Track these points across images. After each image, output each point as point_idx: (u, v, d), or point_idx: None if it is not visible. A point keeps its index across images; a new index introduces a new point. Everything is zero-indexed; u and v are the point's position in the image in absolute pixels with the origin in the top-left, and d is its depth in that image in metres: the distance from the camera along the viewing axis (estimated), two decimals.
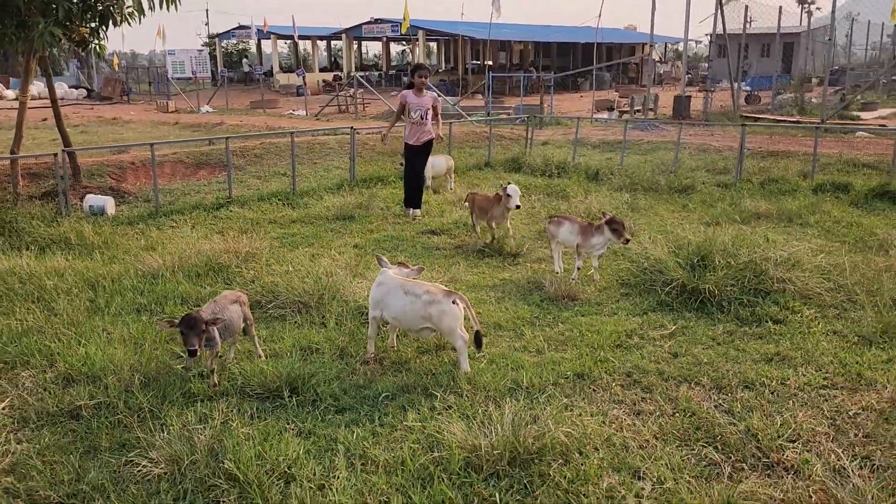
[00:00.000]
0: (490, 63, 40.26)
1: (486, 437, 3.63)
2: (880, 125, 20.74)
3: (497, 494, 3.33)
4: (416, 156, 9.41)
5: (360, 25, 43.37)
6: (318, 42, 51.96)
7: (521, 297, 6.30)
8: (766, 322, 5.51)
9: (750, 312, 5.65)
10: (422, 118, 9.18)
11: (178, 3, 9.20)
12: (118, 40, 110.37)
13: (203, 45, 56.83)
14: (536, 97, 29.51)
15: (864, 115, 24.45)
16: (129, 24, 9.31)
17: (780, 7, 21.31)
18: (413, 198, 9.50)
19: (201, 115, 27.30)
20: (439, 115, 9.42)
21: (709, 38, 51.17)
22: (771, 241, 6.93)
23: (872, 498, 3.26)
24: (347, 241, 8.23)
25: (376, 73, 46.10)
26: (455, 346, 4.71)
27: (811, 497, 3.33)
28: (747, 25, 41.90)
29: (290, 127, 17.85)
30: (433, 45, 55.82)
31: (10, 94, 33.65)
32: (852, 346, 5.07)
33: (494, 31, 44.37)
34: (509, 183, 7.81)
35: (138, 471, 3.56)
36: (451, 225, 8.80)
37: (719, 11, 20.16)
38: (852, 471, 3.49)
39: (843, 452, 3.68)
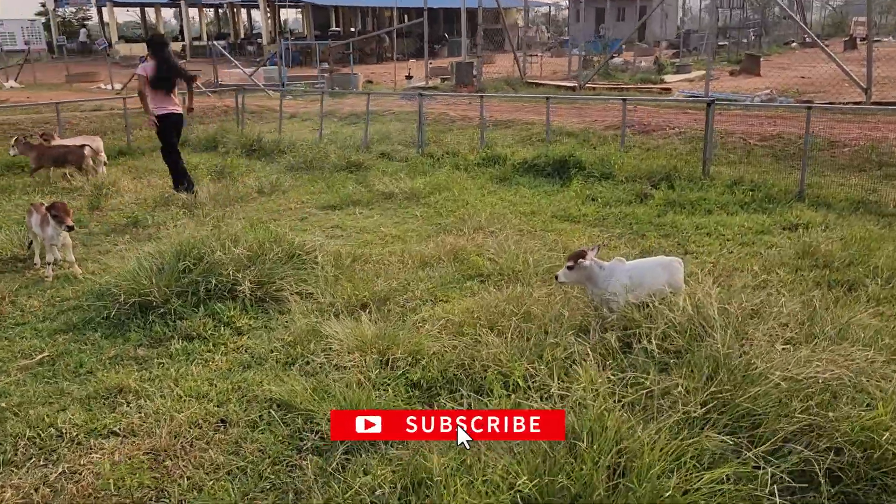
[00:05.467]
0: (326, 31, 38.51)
1: None
2: (663, 89, 20.63)
3: None
4: None
5: None
6: (163, 10, 48.90)
7: None
8: (192, 339, 4.69)
9: (189, 325, 4.83)
10: None
11: None
12: None
13: (37, 14, 52.53)
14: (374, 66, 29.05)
15: (669, 78, 24.41)
16: None
17: None
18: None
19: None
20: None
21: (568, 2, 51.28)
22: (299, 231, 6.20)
23: None
24: None
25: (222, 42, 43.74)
26: None
27: None
28: None
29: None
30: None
31: None
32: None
33: None
34: None
35: None
36: None
37: None
38: None
39: None
